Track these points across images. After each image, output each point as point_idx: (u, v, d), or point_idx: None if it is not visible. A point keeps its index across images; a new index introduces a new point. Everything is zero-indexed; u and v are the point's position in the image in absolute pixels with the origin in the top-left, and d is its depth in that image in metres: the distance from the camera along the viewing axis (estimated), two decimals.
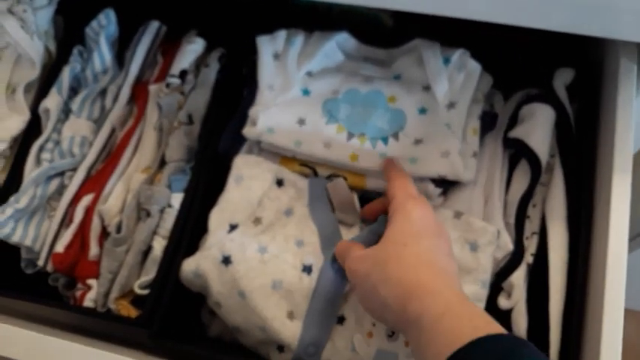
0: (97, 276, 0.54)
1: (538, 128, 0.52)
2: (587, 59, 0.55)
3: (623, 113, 0.47)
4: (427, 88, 0.55)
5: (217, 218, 0.53)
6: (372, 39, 0.59)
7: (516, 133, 0.53)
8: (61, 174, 0.57)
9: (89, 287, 0.53)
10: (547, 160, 0.52)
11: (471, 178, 0.53)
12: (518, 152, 0.53)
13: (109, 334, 0.53)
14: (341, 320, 0.50)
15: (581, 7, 0.40)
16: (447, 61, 0.55)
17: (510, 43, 0.55)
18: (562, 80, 0.54)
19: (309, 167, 0.56)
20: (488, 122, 0.55)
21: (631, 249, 0.79)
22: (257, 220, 0.53)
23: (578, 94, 0.55)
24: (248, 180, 0.54)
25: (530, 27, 0.43)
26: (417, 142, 0.54)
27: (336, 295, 0.50)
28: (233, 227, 0.52)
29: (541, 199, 0.52)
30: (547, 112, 0.52)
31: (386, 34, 0.60)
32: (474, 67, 0.54)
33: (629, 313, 0.41)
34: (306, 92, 0.56)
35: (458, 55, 0.55)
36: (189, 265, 0.51)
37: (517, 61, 0.57)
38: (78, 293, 0.54)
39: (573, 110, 0.54)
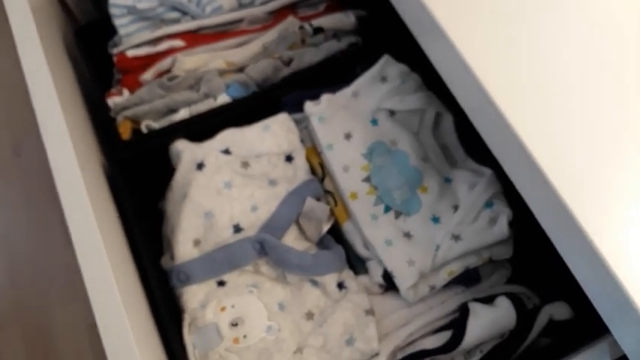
0: (132, 92, 0.62)
1: (488, 318, 0.50)
2: None
3: None
4: (455, 207, 0.55)
5: (227, 135, 0.58)
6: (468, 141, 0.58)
7: (473, 306, 0.51)
8: (184, 14, 0.65)
9: (121, 94, 0.62)
10: (471, 348, 0.50)
11: (411, 300, 0.53)
12: (455, 320, 0.51)
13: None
14: (222, 283, 0.54)
15: None
16: (489, 205, 0.54)
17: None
18: (552, 311, 0.51)
19: (322, 170, 0.58)
20: (466, 278, 0.53)
21: None
22: (245, 164, 0.57)
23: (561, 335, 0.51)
24: (270, 136, 0.58)
25: None
26: (406, 234, 0.54)
27: (235, 265, 0.54)
28: (226, 152, 0.57)
29: None
30: (509, 316, 0.50)
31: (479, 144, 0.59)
32: (502, 229, 0.52)
33: None
34: (374, 122, 0.58)
35: (502, 209, 0.53)
36: (177, 145, 0.57)
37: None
38: (113, 90, 0.63)
39: (542, 344, 0.51)
